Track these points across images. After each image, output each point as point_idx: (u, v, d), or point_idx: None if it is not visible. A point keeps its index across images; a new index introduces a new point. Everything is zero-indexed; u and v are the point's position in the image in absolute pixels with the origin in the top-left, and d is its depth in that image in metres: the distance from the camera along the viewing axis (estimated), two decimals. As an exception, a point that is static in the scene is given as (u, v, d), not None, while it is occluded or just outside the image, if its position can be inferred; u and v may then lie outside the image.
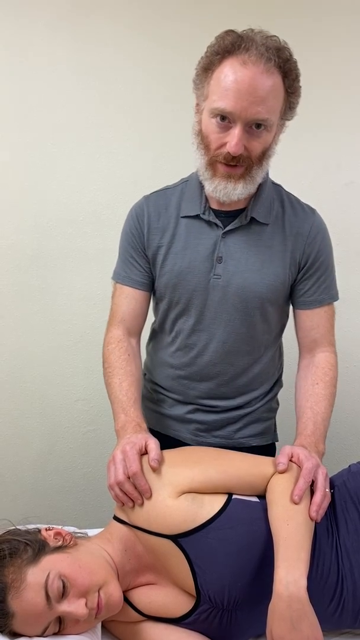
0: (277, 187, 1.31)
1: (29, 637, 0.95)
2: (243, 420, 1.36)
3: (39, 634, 0.95)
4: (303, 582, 0.91)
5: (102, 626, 1.08)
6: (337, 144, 1.78)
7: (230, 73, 1.06)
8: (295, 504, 1.01)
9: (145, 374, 1.44)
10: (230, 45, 1.07)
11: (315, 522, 1.04)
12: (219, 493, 1.08)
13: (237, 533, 1.03)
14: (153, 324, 1.42)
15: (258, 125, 1.09)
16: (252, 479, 1.09)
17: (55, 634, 0.96)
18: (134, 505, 1.06)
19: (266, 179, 1.26)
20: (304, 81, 1.67)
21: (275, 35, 1.09)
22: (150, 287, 1.33)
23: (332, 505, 1.12)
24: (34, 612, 0.93)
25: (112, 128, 1.77)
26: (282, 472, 1.08)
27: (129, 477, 1.06)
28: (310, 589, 0.92)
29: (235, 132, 1.08)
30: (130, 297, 1.31)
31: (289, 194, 1.31)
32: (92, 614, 0.96)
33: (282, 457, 1.10)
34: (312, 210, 1.30)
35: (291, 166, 1.76)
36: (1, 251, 1.83)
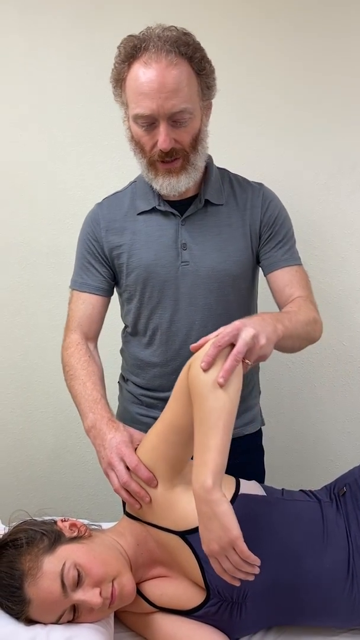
0: (223, 170, 1.36)
1: (44, 624, 0.97)
2: (237, 412, 1.36)
3: (54, 621, 0.97)
4: (208, 484, 0.89)
5: (115, 616, 1.10)
6: (352, 144, 1.78)
7: (137, 77, 1.11)
8: (221, 385, 0.94)
9: (127, 382, 1.43)
10: (132, 50, 1.11)
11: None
12: (225, 489, 1.07)
13: (244, 529, 1.04)
14: (124, 330, 1.43)
15: (181, 116, 1.13)
16: (182, 407, 1.03)
17: (69, 622, 0.98)
18: (141, 507, 1.07)
19: (211, 163, 1.31)
20: (316, 80, 1.68)
21: (173, 26, 1.13)
22: (108, 292, 1.35)
23: (344, 502, 1.13)
24: (49, 599, 0.95)
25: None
26: (193, 349, 1.00)
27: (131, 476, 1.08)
28: (321, 583, 0.93)
29: (161, 130, 1.13)
30: (87, 302, 1.33)
31: (235, 175, 1.36)
32: (106, 603, 0.98)
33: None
34: (259, 184, 1.35)
35: (306, 166, 1.76)
36: (16, 247, 1.85)
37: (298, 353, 1.80)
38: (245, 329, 0.95)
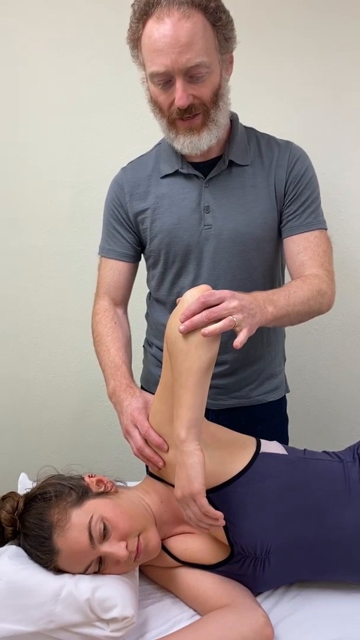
0: (250, 129, 1.31)
1: (72, 574, 1.00)
2: (259, 379, 1.36)
3: (81, 571, 1.00)
4: (182, 436, 0.95)
5: (140, 571, 1.13)
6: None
7: (151, 34, 1.07)
8: (181, 332, 0.94)
9: (151, 346, 1.44)
10: (145, 7, 1.08)
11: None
12: (245, 448, 1.09)
13: (265, 486, 1.06)
14: (149, 296, 1.43)
15: (197, 71, 1.08)
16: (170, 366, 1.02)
17: (95, 573, 1.01)
18: (160, 469, 1.10)
19: (236, 121, 1.27)
20: (344, 46, 1.63)
21: None
22: (135, 258, 1.35)
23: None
24: (77, 550, 0.98)
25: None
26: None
27: (146, 441, 1.10)
28: (343, 540, 0.94)
29: (177, 86, 1.09)
30: (114, 269, 1.34)
31: (262, 134, 1.31)
32: (132, 557, 1.01)
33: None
34: (287, 143, 1.29)
35: (333, 128, 1.72)
36: (39, 210, 1.85)
37: (320, 320, 1.81)
38: (232, 299, 0.95)
